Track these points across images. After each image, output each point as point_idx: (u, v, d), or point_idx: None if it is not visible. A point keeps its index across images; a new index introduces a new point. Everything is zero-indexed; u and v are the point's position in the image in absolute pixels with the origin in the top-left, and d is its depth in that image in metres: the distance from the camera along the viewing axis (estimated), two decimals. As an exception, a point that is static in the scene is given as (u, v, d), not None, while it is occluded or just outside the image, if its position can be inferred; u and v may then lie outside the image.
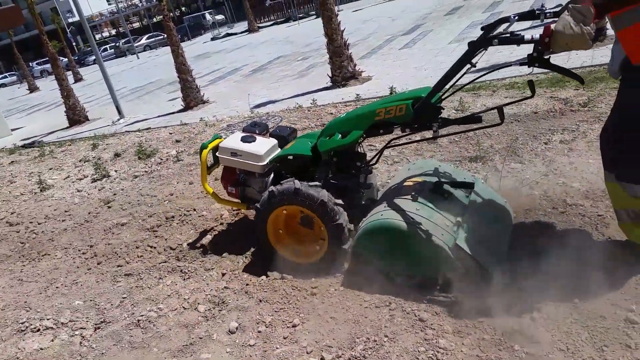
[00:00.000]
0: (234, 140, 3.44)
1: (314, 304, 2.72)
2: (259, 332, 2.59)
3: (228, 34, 33.15)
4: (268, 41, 21.88)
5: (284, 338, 2.52)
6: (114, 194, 5.04)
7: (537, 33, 2.19)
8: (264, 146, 3.39)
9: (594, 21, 2.04)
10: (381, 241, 2.66)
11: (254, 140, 3.43)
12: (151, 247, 3.66)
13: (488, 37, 2.36)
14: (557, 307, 2.32)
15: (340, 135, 2.94)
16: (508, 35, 2.30)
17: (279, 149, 3.45)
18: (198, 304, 2.88)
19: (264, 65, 14.15)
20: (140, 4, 54.46)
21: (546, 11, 2.24)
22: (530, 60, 2.27)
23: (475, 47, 2.40)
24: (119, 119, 10.88)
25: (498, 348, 2.20)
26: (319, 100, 7.38)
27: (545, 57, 2.23)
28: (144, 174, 5.47)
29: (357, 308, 2.61)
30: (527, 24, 7.46)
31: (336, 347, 2.42)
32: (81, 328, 2.90)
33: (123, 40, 39.89)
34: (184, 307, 2.88)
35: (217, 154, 3.48)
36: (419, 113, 2.63)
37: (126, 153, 6.44)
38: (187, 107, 10.24)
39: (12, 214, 5.10)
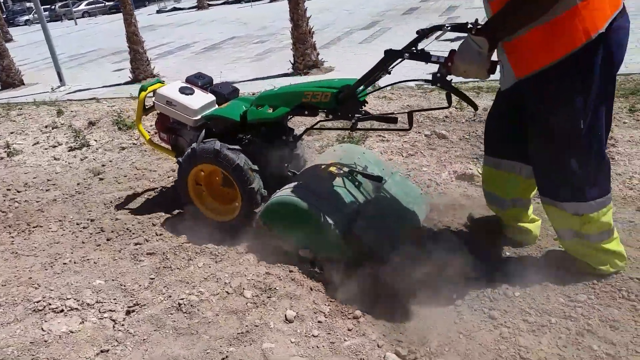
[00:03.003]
0: (171, 89, 3.47)
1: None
2: (319, 322, 2.46)
3: (175, 8, 31.97)
4: (219, 20, 21.37)
5: (349, 330, 2.43)
6: (103, 165, 4.65)
7: (444, 55, 2.26)
8: (199, 101, 3.42)
9: (490, 52, 2.09)
10: (283, 215, 2.84)
11: (192, 93, 3.46)
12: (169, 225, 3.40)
13: (401, 50, 2.47)
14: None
15: (269, 109, 3.05)
16: (418, 52, 2.40)
17: (216, 106, 3.48)
18: (243, 289, 2.70)
19: (216, 44, 13.81)
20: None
21: (478, 26, 2.18)
22: (434, 79, 2.36)
23: (390, 57, 2.52)
24: (59, 86, 10.18)
25: (577, 348, 2.22)
26: (279, 85, 7.20)
27: (448, 78, 2.31)
28: (132, 146, 5.09)
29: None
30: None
31: (406, 342, 2.35)
32: (110, 310, 2.63)
33: (60, 4, 37.20)
34: (227, 292, 2.68)
35: (153, 99, 3.48)
36: (341, 103, 2.75)
37: (101, 122, 5.97)
38: (135, 80, 9.76)
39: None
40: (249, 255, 2.98)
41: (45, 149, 5.36)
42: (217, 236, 3.24)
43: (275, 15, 19.33)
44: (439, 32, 2.44)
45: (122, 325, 2.52)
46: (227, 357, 2.27)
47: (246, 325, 2.46)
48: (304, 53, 8.60)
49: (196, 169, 3.22)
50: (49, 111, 6.97)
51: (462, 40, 2.17)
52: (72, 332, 2.48)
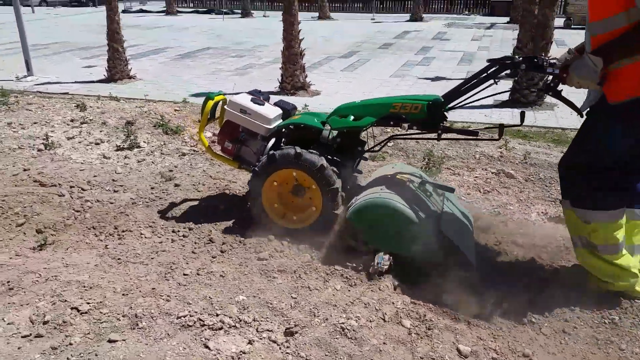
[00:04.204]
0: (245, 99, 3.56)
1: (530, 334, 2.64)
2: (493, 358, 2.44)
3: (142, 10, 31.06)
4: (192, 28, 21.09)
5: (524, 369, 2.41)
6: (170, 171, 4.40)
7: (555, 69, 2.71)
8: (272, 111, 3.57)
9: (603, 69, 2.47)
10: (377, 217, 2.96)
11: (263, 104, 3.58)
12: (288, 242, 3.26)
13: (519, 60, 2.77)
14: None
15: (353, 118, 3.21)
16: (537, 63, 2.74)
17: (281, 120, 3.61)
18: (401, 318, 2.63)
19: (192, 53, 13.62)
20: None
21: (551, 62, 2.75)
22: (546, 88, 2.79)
23: (505, 66, 2.80)
24: (25, 76, 9.57)
25: None
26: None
27: (558, 89, 2.75)
28: (192, 153, 4.85)
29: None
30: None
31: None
32: (268, 330, 2.47)
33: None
34: (383, 319, 2.60)
35: (225, 106, 3.58)
36: (431, 114, 2.99)
37: (138, 123, 5.67)
38: (111, 79, 9.37)
39: (39, 173, 4.16)
40: (385, 281, 2.91)
41: (87, 145, 5.00)
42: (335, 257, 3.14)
43: (250, 31, 19.37)
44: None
45: (288, 347, 2.37)
46: (412, 389, 2.20)
47: (421, 357, 2.39)
48: (293, 74, 8.62)
49: (271, 178, 3.26)
50: (65, 103, 6.54)
51: (578, 58, 2.63)
52: (243, 352, 2.31)
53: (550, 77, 2.80)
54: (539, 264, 3.24)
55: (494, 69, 2.86)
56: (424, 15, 25.64)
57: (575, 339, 2.56)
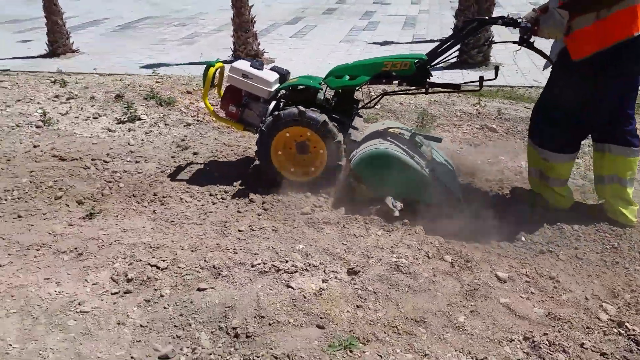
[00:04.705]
0: (245, 64, 3.78)
1: (550, 261, 3.11)
2: (527, 282, 2.87)
3: (65, -21, 29.21)
4: None
5: (554, 288, 2.86)
6: (182, 140, 4.53)
7: (527, 23, 3.10)
8: (272, 75, 3.81)
9: (568, 21, 2.98)
10: (379, 165, 3.33)
11: (262, 69, 3.80)
12: (324, 198, 3.55)
13: (497, 17, 3.24)
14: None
15: (348, 78, 3.57)
16: (511, 19, 3.17)
17: (279, 84, 3.87)
18: (442, 254, 3.02)
19: (131, 23, 12.99)
20: None
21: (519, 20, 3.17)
22: (520, 41, 3.17)
23: (485, 23, 3.36)
24: None
25: None
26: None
27: (531, 40, 3.17)
28: (197, 123, 4.97)
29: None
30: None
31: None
32: (333, 271, 2.80)
33: None
34: (427, 257, 2.99)
35: (228, 72, 3.78)
36: (419, 71, 3.42)
37: (128, 96, 5.66)
38: (53, 54, 8.87)
39: (52, 149, 4.17)
40: (417, 227, 3.27)
41: (85, 120, 4.98)
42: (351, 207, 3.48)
43: (187, -2, 18.82)
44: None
45: (355, 283, 2.71)
46: (465, 307, 2.61)
47: (468, 284, 2.79)
48: (246, 42, 8.52)
49: (278, 136, 3.53)
50: (40, 79, 6.37)
51: (548, 11, 3.06)
52: (322, 289, 2.62)
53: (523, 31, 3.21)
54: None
55: (472, 26, 3.32)
56: (360, -20, 25.78)
57: (587, 263, 3.04)
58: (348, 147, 3.62)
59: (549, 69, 3.42)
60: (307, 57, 8.98)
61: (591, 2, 2.97)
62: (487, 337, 2.41)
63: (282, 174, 3.67)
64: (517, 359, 2.29)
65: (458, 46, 3.43)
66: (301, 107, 3.46)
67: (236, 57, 8.53)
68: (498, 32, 8.40)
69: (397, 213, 3.30)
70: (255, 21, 8.64)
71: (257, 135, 3.66)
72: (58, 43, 8.89)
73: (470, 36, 3.30)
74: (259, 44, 8.75)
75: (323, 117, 3.46)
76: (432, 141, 3.74)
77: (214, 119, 4.03)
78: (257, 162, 4.14)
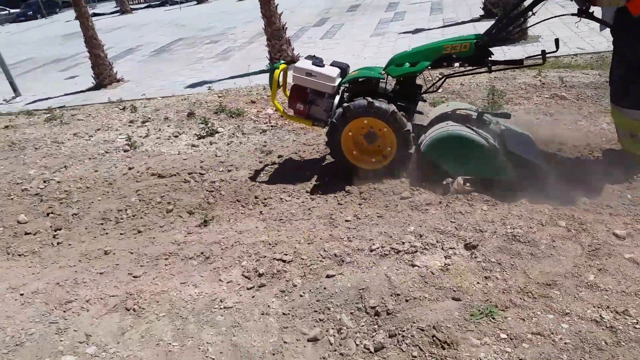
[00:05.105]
0: (307, 63, 3.91)
1: None
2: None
3: (95, 14, 30.33)
4: (151, 23, 20.84)
5: None
6: (264, 146, 4.73)
7: None
8: (333, 71, 3.92)
9: None
10: (450, 147, 3.39)
11: (324, 66, 3.93)
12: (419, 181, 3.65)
13: None
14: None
15: (409, 65, 3.60)
16: None
17: (341, 78, 3.98)
18: (556, 220, 3.04)
19: (165, 47, 13.46)
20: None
21: None
22: (579, 12, 3.19)
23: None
24: (14, 97, 9.56)
25: None
26: (262, 81, 7.46)
27: (590, 11, 3.20)
28: (271, 129, 5.16)
29: None
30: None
31: None
32: (451, 248, 2.88)
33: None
34: (541, 224, 3.01)
35: (292, 72, 3.91)
36: (479, 50, 3.42)
37: (198, 113, 5.91)
38: (100, 86, 9.32)
39: (147, 168, 4.44)
40: (519, 201, 3.30)
41: (167, 139, 5.25)
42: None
43: (211, 16, 19.28)
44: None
45: (477, 257, 2.78)
46: (592, 267, 2.64)
47: (589, 245, 2.81)
48: (281, 49, 8.72)
49: (349, 126, 3.62)
50: (111, 110, 6.72)
51: None
52: (447, 265, 2.71)
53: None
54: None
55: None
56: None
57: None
58: (415, 132, 3.69)
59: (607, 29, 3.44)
60: (341, 55, 8.99)
61: None
62: (623, 291, 2.44)
63: (353, 162, 3.76)
64: (657, 309, 2.32)
65: (521, 20, 3.46)
66: (369, 99, 3.55)
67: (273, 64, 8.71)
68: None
69: (463, 190, 3.38)
70: (286, 28, 8.83)
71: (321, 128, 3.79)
72: (103, 75, 9.39)
73: (530, 10, 3.31)
74: (293, 49, 8.93)
75: (392, 107, 3.54)
76: (501, 118, 3.77)
77: (285, 117, 4.19)
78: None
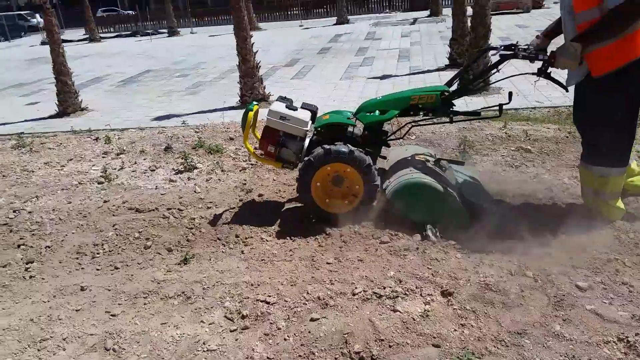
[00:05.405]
0: (282, 107, 4.04)
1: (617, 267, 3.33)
2: (604, 288, 3.08)
3: (63, 40, 29.92)
4: (122, 53, 20.79)
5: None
6: (243, 184, 4.78)
7: (545, 56, 3.40)
8: (306, 114, 4.09)
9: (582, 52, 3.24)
10: (413, 195, 3.60)
11: (296, 109, 4.06)
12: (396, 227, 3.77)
13: (516, 52, 3.48)
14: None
15: (379, 112, 3.86)
16: (531, 52, 3.46)
17: (311, 122, 4.13)
18: (524, 270, 3.22)
19: (133, 78, 13.44)
20: None
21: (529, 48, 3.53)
22: (539, 72, 3.46)
23: (506, 58, 3.52)
24: None
25: None
26: (232, 118, 7.65)
27: (548, 71, 3.45)
28: (251, 167, 5.23)
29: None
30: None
31: None
32: (429, 294, 2.99)
33: None
34: (510, 274, 3.18)
35: (267, 116, 4.02)
36: (444, 103, 3.75)
37: (175, 147, 5.93)
38: (64, 114, 9.18)
39: (124, 203, 4.41)
40: (495, 247, 3.48)
41: (143, 173, 5.24)
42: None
43: (183, 50, 19.48)
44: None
45: (453, 304, 2.91)
46: (557, 317, 2.81)
47: (554, 296, 2.98)
48: (252, 87, 8.85)
49: (314, 179, 3.76)
50: (82, 139, 6.64)
51: (562, 44, 3.33)
52: (427, 310, 2.83)
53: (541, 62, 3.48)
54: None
55: (497, 61, 3.57)
56: (349, 17, 26.67)
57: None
58: (380, 174, 3.86)
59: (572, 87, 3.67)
60: (311, 96, 9.19)
61: (600, 35, 3.21)
62: (586, 341, 2.61)
63: (321, 206, 3.86)
64: (617, 358, 2.49)
65: (492, 72, 3.72)
66: (350, 147, 3.70)
67: (243, 102, 8.83)
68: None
69: (434, 239, 3.59)
70: (260, 67, 8.98)
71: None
72: (68, 102, 9.25)
73: (495, 68, 3.60)
74: (264, 88, 9.08)
75: (369, 160, 3.70)
76: (454, 164, 4.07)
77: (255, 159, 4.29)
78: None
